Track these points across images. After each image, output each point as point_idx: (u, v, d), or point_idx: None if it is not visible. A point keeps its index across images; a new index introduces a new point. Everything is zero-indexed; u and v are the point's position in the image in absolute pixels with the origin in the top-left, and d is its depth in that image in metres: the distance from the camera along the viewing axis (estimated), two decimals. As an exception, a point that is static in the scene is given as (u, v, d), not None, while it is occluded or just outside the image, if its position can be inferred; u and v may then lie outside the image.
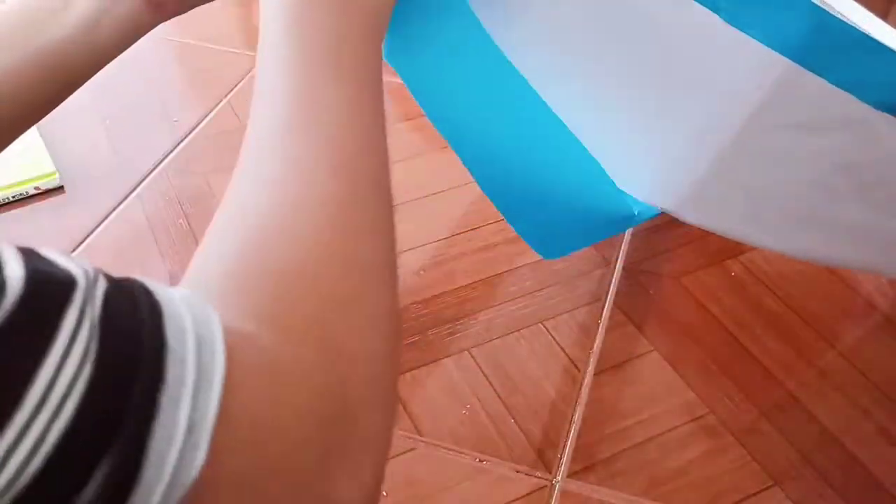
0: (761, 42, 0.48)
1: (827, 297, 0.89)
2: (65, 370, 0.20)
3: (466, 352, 0.82)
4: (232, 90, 1.20)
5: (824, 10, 0.48)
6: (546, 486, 0.72)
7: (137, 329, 0.22)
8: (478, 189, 1.02)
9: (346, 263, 0.28)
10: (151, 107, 1.17)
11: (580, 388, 0.79)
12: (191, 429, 0.22)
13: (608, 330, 0.85)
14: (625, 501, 0.71)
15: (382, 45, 0.37)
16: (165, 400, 0.22)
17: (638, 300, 0.88)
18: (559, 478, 0.72)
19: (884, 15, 1.41)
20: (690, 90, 0.53)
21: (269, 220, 0.28)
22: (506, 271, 0.91)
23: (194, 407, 0.22)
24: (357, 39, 0.34)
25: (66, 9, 0.49)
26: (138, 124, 1.13)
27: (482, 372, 0.80)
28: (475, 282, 0.90)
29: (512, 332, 0.84)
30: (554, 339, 0.84)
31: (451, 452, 0.74)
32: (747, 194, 0.58)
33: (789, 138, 0.53)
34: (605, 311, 0.87)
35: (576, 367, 0.81)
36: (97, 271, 0.23)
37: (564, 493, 0.71)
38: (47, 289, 0.21)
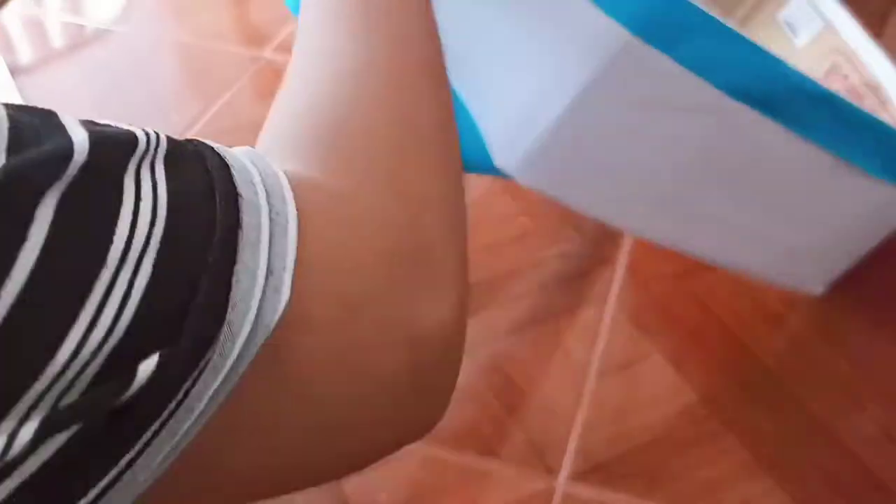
0: (605, 11, 0.48)
1: (829, 297, 0.88)
2: (138, 227, 0.20)
3: (466, 352, 0.82)
4: (231, 90, 1.19)
5: None
6: (548, 488, 0.71)
7: (208, 180, 0.22)
8: (478, 189, 1.02)
9: (409, 120, 0.29)
10: (150, 106, 1.16)
11: (582, 390, 0.79)
12: (271, 271, 0.22)
13: (610, 330, 0.85)
14: (627, 503, 0.70)
15: None
16: (243, 245, 0.22)
17: (639, 301, 0.88)
18: (561, 480, 0.72)
19: (884, 16, 1.41)
20: (533, 53, 0.53)
21: (332, 86, 0.29)
22: (506, 271, 0.91)
23: (272, 252, 0.22)
24: None
25: None
26: (137, 124, 1.13)
27: (483, 373, 0.80)
28: (475, 282, 0.89)
29: (514, 334, 0.84)
30: (556, 339, 0.84)
31: (452, 454, 0.73)
32: (597, 169, 0.57)
33: (638, 116, 0.53)
34: (606, 312, 0.87)
35: (578, 367, 0.81)
36: (158, 133, 0.24)
37: (567, 496, 0.71)
38: (112, 148, 0.21)
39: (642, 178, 0.58)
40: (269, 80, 1.21)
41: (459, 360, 0.30)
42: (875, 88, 0.67)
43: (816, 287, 0.71)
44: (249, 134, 1.09)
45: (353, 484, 0.71)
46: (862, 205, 0.63)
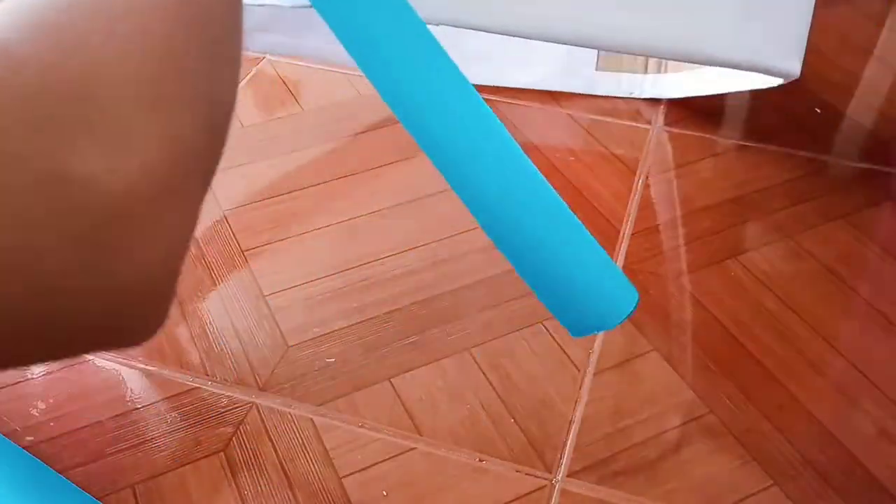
0: None
1: (827, 297, 0.89)
2: None
3: (466, 352, 0.82)
4: (232, 90, 1.20)
5: None
6: (546, 485, 0.72)
7: None
8: (478, 189, 1.02)
9: None
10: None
11: (580, 388, 0.79)
12: None
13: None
14: (625, 501, 0.71)
15: None
16: None
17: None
18: (559, 477, 0.72)
19: (883, 15, 1.41)
20: None
21: None
22: (506, 271, 0.91)
23: None
24: None
25: None
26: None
27: (482, 372, 0.81)
28: (475, 282, 0.90)
29: (512, 332, 0.84)
30: (554, 339, 0.84)
31: (451, 452, 0.74)
32: None
33: None
34: (604, 311, 0.87)
35: (576, 366, 0.81)
36: None
37: (564, 493, 0.71)
38: None
39: None
40: (269, 82, 1.21)
41: (152, 224, 0.25)
42: None
43: (787, 65, 0.63)
44: (251, 135, 1.11)
45: (351, 481, 0.71)
46: None
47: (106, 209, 0.23)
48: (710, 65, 0.60)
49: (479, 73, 1.13)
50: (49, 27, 0.25)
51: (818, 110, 1.15)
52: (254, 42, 0.58)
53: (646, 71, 1.15)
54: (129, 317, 0.25)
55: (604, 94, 1.15)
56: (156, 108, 0.26)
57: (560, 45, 1.13)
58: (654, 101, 1.15)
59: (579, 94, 1.17)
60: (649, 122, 1.12)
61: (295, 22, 0.52)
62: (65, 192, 0.23)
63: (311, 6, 0.39)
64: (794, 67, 0.63)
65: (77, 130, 0.23)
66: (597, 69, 1.14)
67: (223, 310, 0.87)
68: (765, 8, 0.59)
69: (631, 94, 1.15)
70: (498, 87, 1.16)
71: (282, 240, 0.95)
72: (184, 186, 0.26)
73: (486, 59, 1.13)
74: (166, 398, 0.78)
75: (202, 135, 0.27)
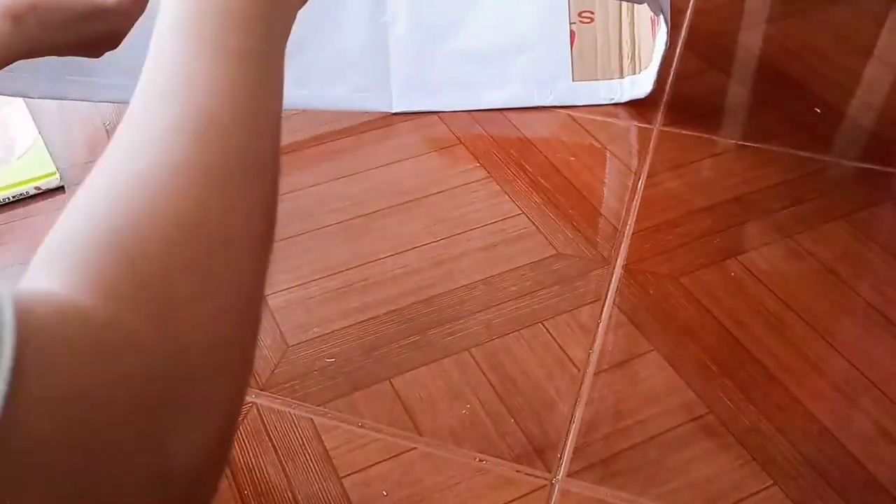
0: None
1: (827, 297, 0.89)
2: None
3: (466, 352, 0.82)
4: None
5: None
6: (546, 485, 0.72)
7: None
8: (479, 189, 1.02)
9: (200, 234, 0.27)
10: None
11: (580, 388, 0.79)
12: None
13: (608, 330, 0.85)
14: (625, 501, 0.71)
15: (285, 42, 0.35)
16: None
17: (638, 300, 0.88)
18: (559, 477, 0.72)
19: (883, 15, 1.41)
20: None
21: (121, 190, 0.27)
22: (506, 271, 0.91)
23: None
24: (255, 26, 0.33)
25: None
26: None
27: (482, 372, 0.81)
28: (475, 282, 0.90)
29: (512, 332, 0.84)
30: (554, 339, 0.84)
31: (450, 452, 0.74)
32: None
33: None
34: (604, 311, 0.87)
35: (576, 367, 0.81)
36: None
37: (564, 493, 0.71)
38: None
39: None
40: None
41: (210, 493, 0.28)
42: None
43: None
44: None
45: (351, 481, 0.71)
46: None
47: (180, 494, 0.26)
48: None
49: (455, 98, 1.13)
50: (145, 295, 0.25)
51: (818, 110, 1.15)
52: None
53: (622, 75, 1.15)
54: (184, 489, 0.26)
55: (584, 104, 1.15)
56: (228, 377, 0.28)
57: (534, 61, 1.14)
58: (654, 102, 1.15)
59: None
60: (649, 122, 1.12)
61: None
62: (151, 489, 0.25)
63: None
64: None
65: (170, 429, 0.25)
66: (573, 80, 1.14)
67: (223, 310, 0.87)
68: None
69: (611, 100, 1.15)
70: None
71: (281, 240, 0.95)
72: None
73: (460, 85, 1.13)
74: (166, 398, 0.78)
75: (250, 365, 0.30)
